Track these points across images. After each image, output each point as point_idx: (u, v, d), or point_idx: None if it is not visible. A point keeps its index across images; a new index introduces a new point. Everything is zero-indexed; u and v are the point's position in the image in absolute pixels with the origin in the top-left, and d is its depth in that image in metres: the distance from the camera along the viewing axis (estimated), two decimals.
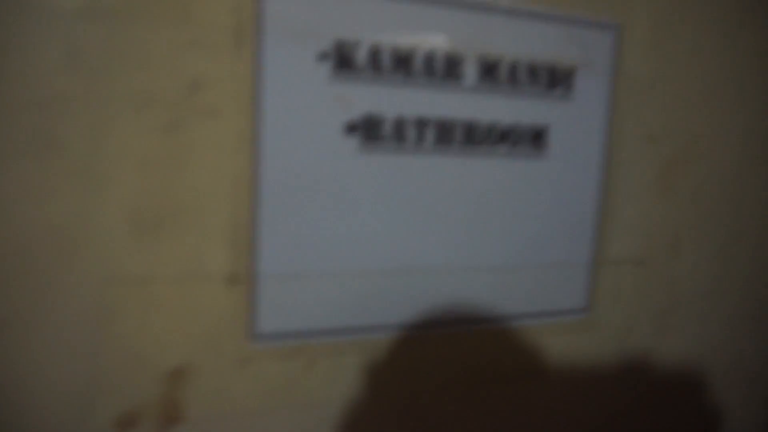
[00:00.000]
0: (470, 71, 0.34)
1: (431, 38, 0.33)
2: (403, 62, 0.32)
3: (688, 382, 0.47)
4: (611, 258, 0.41)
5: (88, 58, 0.27)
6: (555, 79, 0.37)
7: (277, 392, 0.33)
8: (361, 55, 0.31)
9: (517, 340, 0.39)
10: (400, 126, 0.33)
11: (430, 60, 0.33)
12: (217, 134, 0.30)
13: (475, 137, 0.35)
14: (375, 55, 0.31)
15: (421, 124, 0.33)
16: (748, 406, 0.50)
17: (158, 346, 0.30)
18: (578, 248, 0.40)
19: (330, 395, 0.34)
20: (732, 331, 0.48)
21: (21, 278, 0.27)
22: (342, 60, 0.31)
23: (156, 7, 0.28)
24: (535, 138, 0.37)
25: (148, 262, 0.29)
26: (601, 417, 0.43)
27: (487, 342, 0.38)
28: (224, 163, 0.30)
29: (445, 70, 0.33)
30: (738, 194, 0.45)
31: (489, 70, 0.35)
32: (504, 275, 0.38)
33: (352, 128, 0.32)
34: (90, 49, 0.27)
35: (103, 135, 0.28)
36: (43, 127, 0.27)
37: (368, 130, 0.32)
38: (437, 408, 0.37)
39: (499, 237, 0.37)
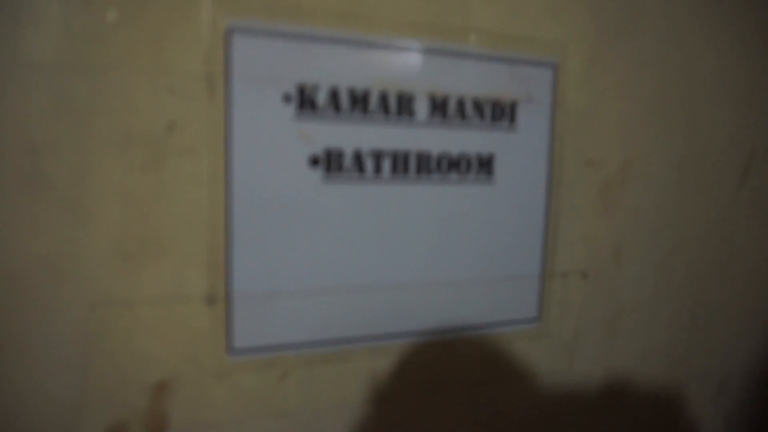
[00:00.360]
0: (421, 107, 0.38)
1: (384, 79, 0.37)
2: (359, 101, 0.36)
3: (635, 382, 0.51)
4: (559, 271, 0.45)
5: (73, 104, 0.31)
6: (499, 112, 0.41)
7: (254, 402, 0.36)
8: (321, 96, 0.35)
9: (476, 348, 0.43)
10: (358, 158, 0.36)
11: (384, 98, 0.37)
12: (193, 170, 0.33)
13: (428, 167, 0.39)
14: (334, 96, 0.35)
15: (378, 156, 0.37)
16: (694, 402, 0.55)
17: (143, 362, 0.33)
18: (528, 262, 0.44)
19: (303, 403, 0.37)
20: (673, 335, 0.52)
21: (15, 303, 0.30)
22: (304, 101, 0.35)
23: (135, 58, 0.31)
24: (483, 165, 0.41)
25: (132, 286, 0.32)
26: (551, 416, 0.47)
27: (448, 351, 0.42)
28: (200, 195, 0.33)
29: (398, 107, 0.37)
30: (673, 211, 0.50)
31: (438, 106, 0.39)
32: (461, 289, 0.42)
33: (315, 161, 0.35)
34: (75, 96, 0.30)
35: (89, 173, 0.31)
36: (33, 167, 0.30)
37: (330, 162, 0.36)
38: (403, 413, 0.41)
39: (455, 255, 0.41)
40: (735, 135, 0.52)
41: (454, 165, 0.40)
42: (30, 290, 0.31)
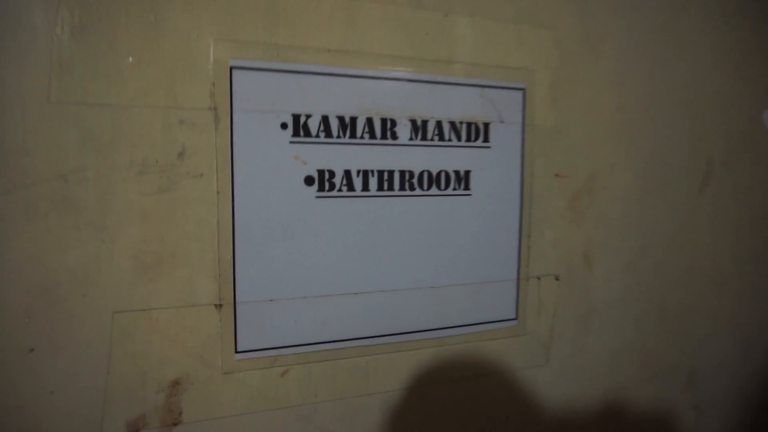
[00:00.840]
0: (403, 131, 0.43)
1: (370, 107, 0.41)
2: (347, 127, 0.41)
3: (608, 377, 0.55)
4: (534, 274, 0.49)
5: (97, 137, 0.35)
6: (474, 133, 0.46)
7: (258, 397, 0.40)
8: (314, 124, 0.40)
9: (459, 346, 0.47)
10: (348, 177, 0.41)
11: (369, 124, 0.41)
12: (202, 191, 0.37)
13: (410, 183, 0.43)
14: (325, 123, 0.40)
15: (366, 174, 0.42)
16: (663, 393, 0.59)
17: (159, 362, 0.37)
18: (505, 267, 0.49)
19: (302, 398, 0.41)
20: (643, 332, 0.56)
21: (46, 311, 0.35)
22: (298, 128, 0.39)
23: (150, 96, 0.36)
24: (461, 180, 0.45)
25: (150, 295, 0.37)
26: (530, 408, 0.51)
27: (433, 349, 0.46)
28: (208, 214, 0.38)
29: (383, 131, 0.42)
30: (638, 217, 0.54)
31: (419, 129, 0.43)
32: (444, 293, 0.46)
33: (309, 181, 0.40)
34: (99, 130, 0.35)
35: (111, 196, 0.36)
36: (63, 192, 0.35)
37: (322, 181, 0.40)
38: (392, 407, 0.45)
39: (437, 261, 0.45)
40: (693, 146, 0.56)
41: (434, 181, 0.44)
42: (61, 299, 0.35)
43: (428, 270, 0.45)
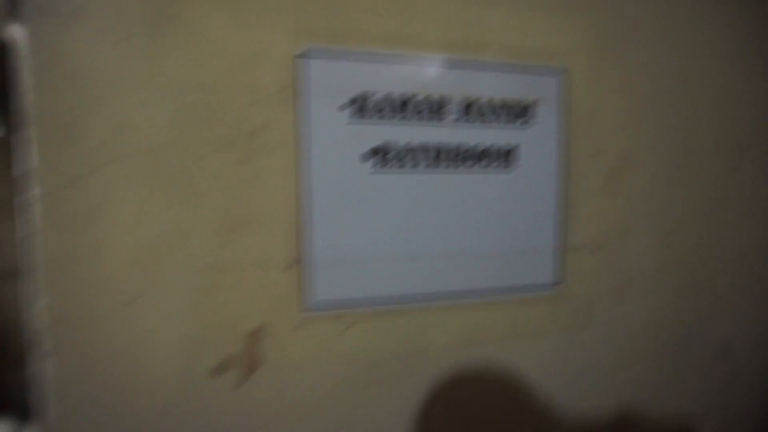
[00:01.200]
0: (454, 109, 0.47)
1: (422, 88, 0.46)
2: (402, 107, 0.45)
3: (643, 345, 0.58)
4: (573, 245, 0.53)
5: (186, 116, 0.40)
6: (519, 112, 0.49)
7: (324, 348, 0.45)
8: (371, 104, 0.44)
9: (504, 309, 0.51)
10: (401, 153, 0.45)
11: (421, 104, 0.46)
12: (276, 163, 0.42)
13: (458, 158, 0.47)
14: (381, 103, 0.44)
15: (418, 150, 0.46)
16: (696, 364, 0.61)
17: (241, 314, 0.42)
18: (546, 238, 0.52)
19: (362, 352, 0.46)
20: (677, 302, 0.59)
21: (143, 269, 0.40)
22: (357, 108, 0.44)
23: (230, 81, 0.41)
24: (505, 157, 0.49)
25: (233, 253, 0.42)
26: (568, 369, 0.55)
27: (480, 311, 0.50)
28: (282, 182, 0.42)
29: (435, 110, 0.46)
30: (672, 194, 0.57)
31: (468, 108, 0.47)
32: (489, 260, 0.50)
33: (366, 156, 0.45)
34: (188, 110, 0.40)
35: (197, 168, 0.41)
36: (156, 165, 0.40)
37: (378, 157, 0.45)
38: (442, 363, 0.49)
39: (483, 231, 0.49)
40: (725, 130, 0.59)
41: (479, 157, 0.48)
42: (154, 259, 0.40)
43: (475, 238, 0.49)
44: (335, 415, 0.46)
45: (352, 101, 0.44)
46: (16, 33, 0.36)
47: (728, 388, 0.64)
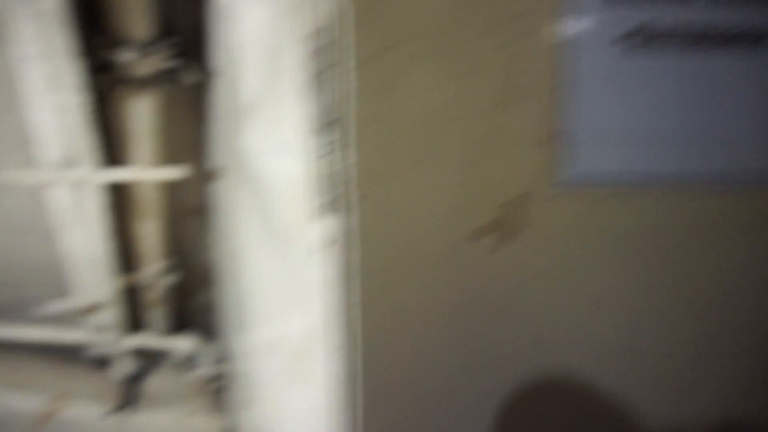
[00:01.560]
0: None
1: None
2: None
3: None
4: None
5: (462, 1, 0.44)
6: None
7: (575, 221, 0.48)
8: None
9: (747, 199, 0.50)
10: (663, 35, 0.47)
11: None
12: (536, 48, 0.46)
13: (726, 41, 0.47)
14: None
15: (680, 33, 0.47)
16: None
17: (501, 185, 0.47)
18: None
19: (611, 224, 0.48)
20: None
21: (427, 135, 0.45)
22: None
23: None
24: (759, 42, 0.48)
25: (496, 128, 0.46)
26: None
27: (720, 200, 0.50)
28: (542, 63, 0.46)
29: None
30: None
31: None
32: (736, 145, 0.49)
33: (622, 39, 0.46)
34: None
35: (470, 48, 0.45)
36: (438, 44, 0.45)
37: (633, 39, 0.46)
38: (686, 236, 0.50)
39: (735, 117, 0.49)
40: None
41: (735, 40, 0.48)
42: (437, 126, 0.45)
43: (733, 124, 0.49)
44: (580, 287, 0.49)
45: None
46: None
47: None
